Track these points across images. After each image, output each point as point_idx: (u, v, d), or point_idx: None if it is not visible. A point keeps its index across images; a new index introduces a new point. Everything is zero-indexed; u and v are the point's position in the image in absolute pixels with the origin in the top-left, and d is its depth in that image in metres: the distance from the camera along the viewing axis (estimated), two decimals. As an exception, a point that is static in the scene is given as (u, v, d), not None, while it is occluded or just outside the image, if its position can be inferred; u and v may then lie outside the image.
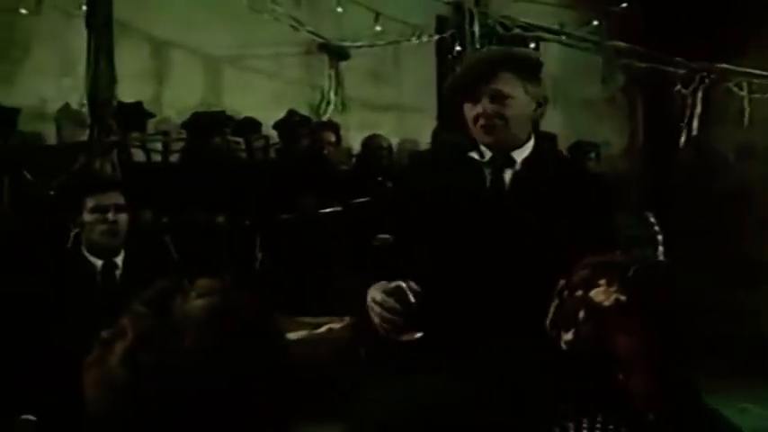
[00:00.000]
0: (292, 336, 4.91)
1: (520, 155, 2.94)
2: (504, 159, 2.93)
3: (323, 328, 5.82)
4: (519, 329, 2.63)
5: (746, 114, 8.10)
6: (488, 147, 2.92)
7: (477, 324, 2.79)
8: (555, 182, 2.93)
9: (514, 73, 2.90)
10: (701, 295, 1.92)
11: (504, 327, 2.76)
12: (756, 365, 7.75)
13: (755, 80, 8.11)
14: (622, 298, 1.83)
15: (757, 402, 6.93)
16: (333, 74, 7.42)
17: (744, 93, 8.10)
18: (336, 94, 7.47)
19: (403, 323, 2.76)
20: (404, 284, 2.78)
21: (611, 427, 1.79)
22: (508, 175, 2.93)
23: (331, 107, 7.55)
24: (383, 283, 2.81)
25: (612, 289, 1.84)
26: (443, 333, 2.78)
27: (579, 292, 1.87)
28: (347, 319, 5.89)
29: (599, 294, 1.84)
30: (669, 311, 1.86)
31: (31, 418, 3.61)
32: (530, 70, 2.97)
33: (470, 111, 2.91)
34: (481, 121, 2.88)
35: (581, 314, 1.85)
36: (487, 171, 2.93)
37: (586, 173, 3.32)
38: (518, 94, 2.90)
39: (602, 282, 1.85)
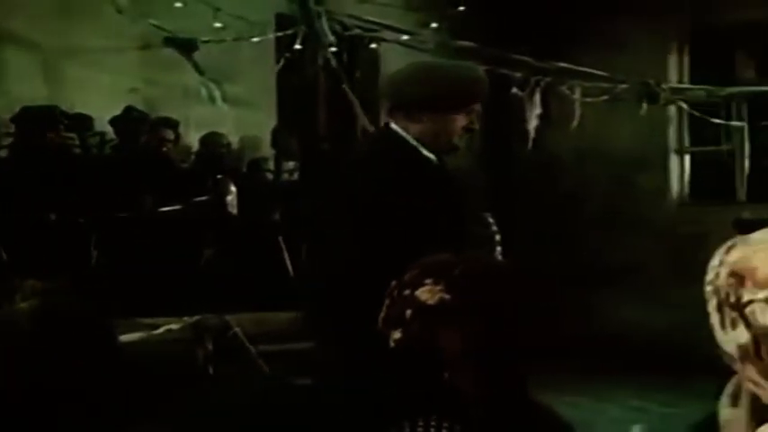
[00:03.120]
0: (129, 337, 4.79)
1: None
2: None
3: (161, 329, 5.71)
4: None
5: (576, 117, 8.39)
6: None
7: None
8: None
9: None
10: (541, 296, 1.96)
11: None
12: (590, 363, 8.07)
13: (587, 83, 8.39)
14: (447, 296, 1.86)
15: (587, 396, 7.22)
16: (193, 66, 7.22)
17: (576, 96, 8.37)
18: (213, 83, 7.27)
19: None
20: None
21: (445, 425, 1.81)
22: None
23: (219, 97, 7.33)
24: None
25: (438, 288, 1.87)
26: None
27: (407, 291, 1.89)
28: (186, 319, 5.81)
29: (424, 293, 1.88)
30: (498, 310, 1.88)
31: None
32: None
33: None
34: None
35: (408, 313, 1.87)
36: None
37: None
38: None
39: (429, 281, 1.88)
